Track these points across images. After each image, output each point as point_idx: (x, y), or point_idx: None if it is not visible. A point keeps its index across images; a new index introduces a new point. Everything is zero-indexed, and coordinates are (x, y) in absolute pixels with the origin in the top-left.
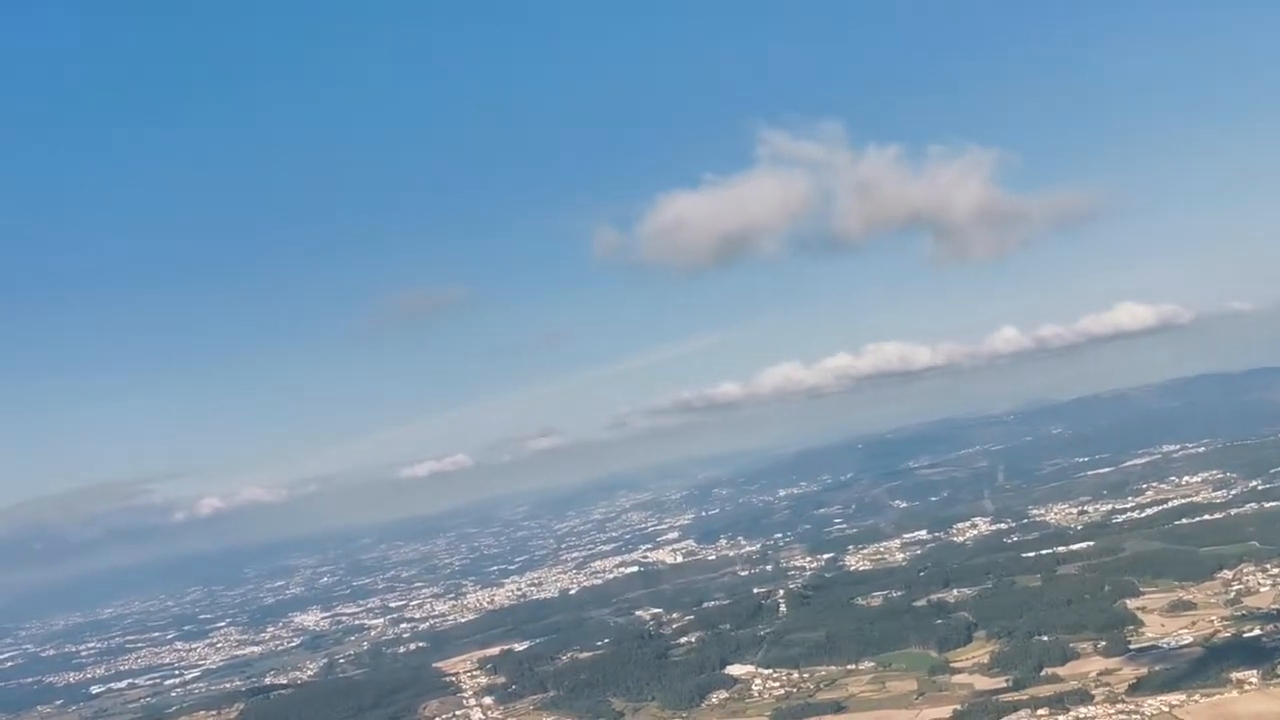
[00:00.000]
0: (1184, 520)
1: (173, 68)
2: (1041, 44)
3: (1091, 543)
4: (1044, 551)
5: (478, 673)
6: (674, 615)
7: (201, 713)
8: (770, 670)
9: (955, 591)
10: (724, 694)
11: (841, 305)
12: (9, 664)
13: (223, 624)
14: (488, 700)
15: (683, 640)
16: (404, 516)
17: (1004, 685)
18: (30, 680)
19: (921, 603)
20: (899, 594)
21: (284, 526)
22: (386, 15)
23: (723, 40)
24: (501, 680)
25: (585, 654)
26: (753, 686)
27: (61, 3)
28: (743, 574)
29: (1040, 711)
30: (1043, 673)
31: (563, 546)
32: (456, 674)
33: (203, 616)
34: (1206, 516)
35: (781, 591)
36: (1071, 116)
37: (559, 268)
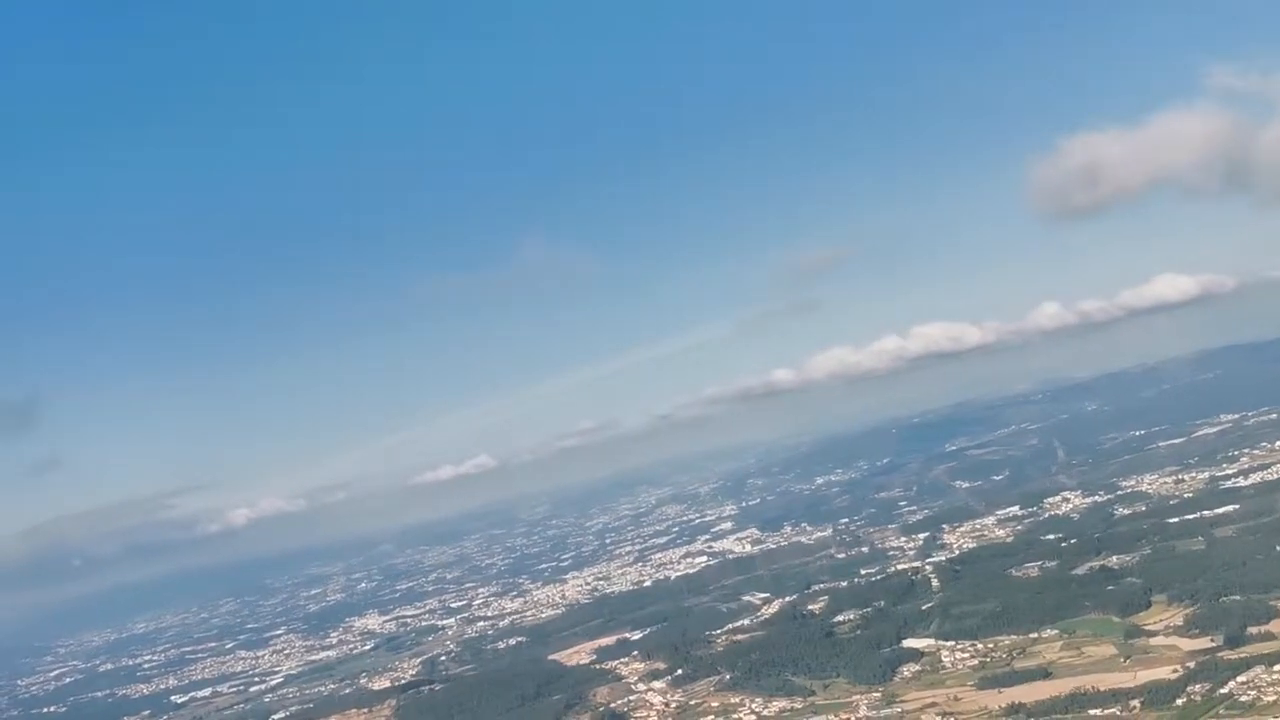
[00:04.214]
0: None
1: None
2: None
3: (1235, 506)
4: (1189, 516)
5: (628, 660)
6: (790, 598)
7: (352, 710)
8: (951, 642)
9: (1114, 559)
10: (915, 667)
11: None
12: (68, 680)
13: (279, 632)
14: (657, 685)
15: (838, 619)
16: (419, 521)
17: (1213, 645)
18: (102, 694)
19: (1081, 571)
20: (1052, 564)
21: (300, 536)
22: None
23: None
24: (660, 665)
25: (741, 636)
26: (942, 658)
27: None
28: (839, 556)
29: (1277, 668)
30: (1249, 631)
31: (607, 542)
32: (609, 664)
33: (250, 626)
34: None
35: (929, 566)
36: None
37: None
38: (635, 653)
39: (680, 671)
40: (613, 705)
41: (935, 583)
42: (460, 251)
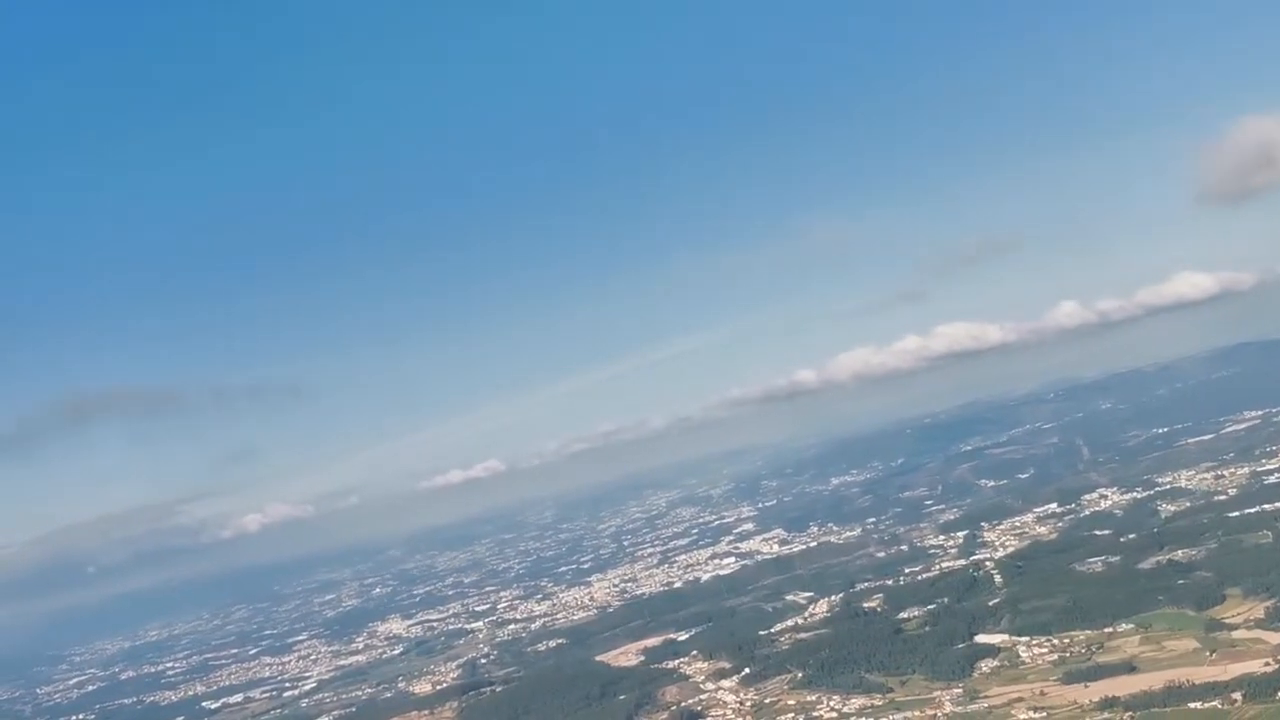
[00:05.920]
0: None
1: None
2: None
3: None
4: (1249, 510)
5: (688, 659)
6: (835, 597)
7: (414, 713)
8: (1026, 637)
9: (1179, 553)
10: (992, 662)
11: None
12: (90, 687)
13: (301, 637)
14: (726, 683)
15: (903, 616)
16: (425, 526)
17: None
18: (130, 701)
19: (1147, 565)
20: (1115, 559)
21: (308, 541)
22: None
23: None
24: (725, 665)
25: (805, 634)
26: (1019, 653)
27: None
28: (879, 555)
29: None
30: None
31: (625, 545)
32: (668, 664)
33: (269, 632)
34: None
35: (990, 563)
36: None
37: None
38: (694, 652)
39: (748, 670)
40: (685, 704)
41: (998, 579)
42: (471, 253)
